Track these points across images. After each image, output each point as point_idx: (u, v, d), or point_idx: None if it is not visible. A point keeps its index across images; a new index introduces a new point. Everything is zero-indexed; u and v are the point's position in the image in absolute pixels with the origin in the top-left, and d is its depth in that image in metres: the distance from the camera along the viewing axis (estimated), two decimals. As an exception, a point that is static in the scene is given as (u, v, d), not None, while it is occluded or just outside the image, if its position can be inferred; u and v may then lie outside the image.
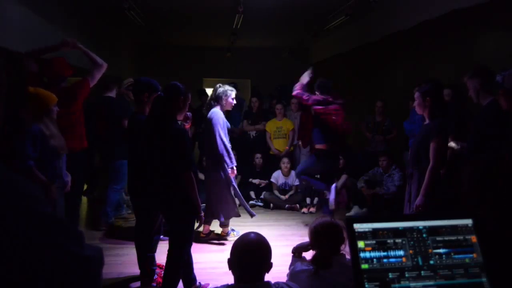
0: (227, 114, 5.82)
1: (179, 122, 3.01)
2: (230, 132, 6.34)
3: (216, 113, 3.93)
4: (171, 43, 9.98)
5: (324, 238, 1.99)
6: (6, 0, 4.17)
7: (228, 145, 3.92)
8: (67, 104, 3.30)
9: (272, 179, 5.73)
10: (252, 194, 5.79)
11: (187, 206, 2.61)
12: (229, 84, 4.33)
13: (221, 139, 3.86)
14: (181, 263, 2.68)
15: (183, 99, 2.69)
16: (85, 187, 5.28)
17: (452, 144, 3.17)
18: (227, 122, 4.08)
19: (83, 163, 3.68)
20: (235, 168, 4.00)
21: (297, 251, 2.19)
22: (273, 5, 5.94)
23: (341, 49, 8.12)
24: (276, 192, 5.68)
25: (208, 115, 3.96)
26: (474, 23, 4.14)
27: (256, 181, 5.84)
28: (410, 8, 5.38)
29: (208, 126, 3.93)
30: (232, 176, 4.00)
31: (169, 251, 2.69)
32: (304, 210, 5.41)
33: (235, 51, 9.84)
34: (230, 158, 3.90)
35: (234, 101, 4.13)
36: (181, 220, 2.65)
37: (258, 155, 5.95)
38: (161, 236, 3.70)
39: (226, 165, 3.92)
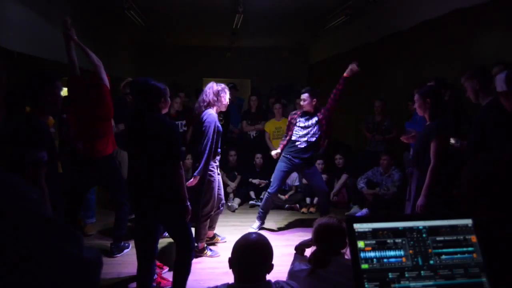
0: (227, 114, 5.83)
1: None
2: (230, 132, 6.35)
3: (211, 115, 3.49)
4: (171, 43, 9.98)
5: (324, 239, 1.98)
6: (6, 0, 4.17)
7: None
8: (104, 112, 3.46)
9: (272, 179, 5.72)
10: (252, 194, 5.79)
11: (180, 202, 2.61)
12: (228, 84, 4.17)
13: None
14: (190, 261, 2.69)
15: (164, 100, 2.66)
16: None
17: (451, 141, 3.17)
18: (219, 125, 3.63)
19: (115, 163, 3.79)
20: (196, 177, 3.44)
21: (300, 248, 2.20)
22: (273, 5, 5.94)
23: (341, 49, 8.11)
24: (276, 192, 5.68)
25: (203, 117, 3.49)
26: (474, 23, 4.13)
27: (256, 181, 5.84)
28: (410, 8, 5.37)
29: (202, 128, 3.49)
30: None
31: (177, 250, 2.69)
32: (304, 210, 5.40)
33: (235, 51, 9.84)
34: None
35: (228, 101, 3.72)
36: (179, 216, 2.64)
37: (259, 155, 5.94)
38: (165, 234, 3.70)
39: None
